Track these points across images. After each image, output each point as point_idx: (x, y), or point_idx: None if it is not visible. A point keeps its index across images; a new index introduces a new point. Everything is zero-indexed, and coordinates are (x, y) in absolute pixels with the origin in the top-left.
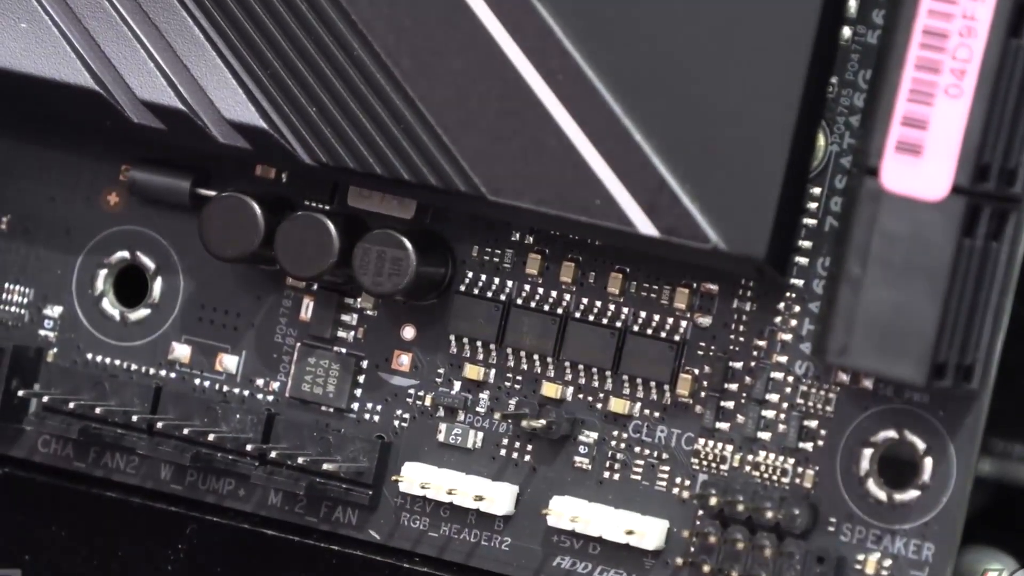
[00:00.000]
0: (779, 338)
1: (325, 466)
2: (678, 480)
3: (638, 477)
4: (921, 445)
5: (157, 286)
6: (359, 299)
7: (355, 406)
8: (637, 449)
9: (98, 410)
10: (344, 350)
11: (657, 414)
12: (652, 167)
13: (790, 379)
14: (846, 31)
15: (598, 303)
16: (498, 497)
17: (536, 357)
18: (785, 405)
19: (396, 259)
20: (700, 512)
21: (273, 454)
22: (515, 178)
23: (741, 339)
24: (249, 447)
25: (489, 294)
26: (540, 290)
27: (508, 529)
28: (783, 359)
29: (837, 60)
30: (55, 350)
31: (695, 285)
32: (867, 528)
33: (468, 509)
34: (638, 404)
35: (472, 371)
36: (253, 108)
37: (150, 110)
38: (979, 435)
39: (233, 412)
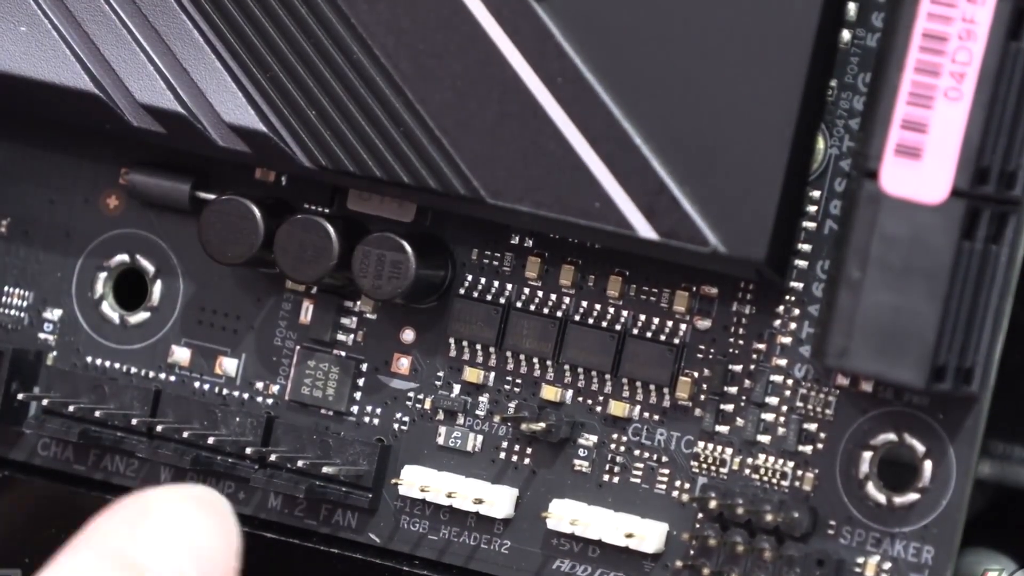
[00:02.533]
0: (778, 341)
1: (325, 469)
2: (678, 483)
3: (638, 480)
4: (921, 448)
5: (157, 289)
6: (359, 302)
7: (355, 409)
8: (637, 452)
9: (98, 413)
10: (344, 353)
11: (657, 417)
12: (651, 170)
13: (789, 382)
14: (845, 34)
15: (597, 306)
16: (498, 500)
17: (536, 360)
18: (784, 408)
19: (396, 262)
20: (700, 515)
21: (273, 457)
22: (514, 181)
23: (740, 342)
24: (249, 450)
25: (489, 297)
26: (540, 293)
27: (508, 532)
28: (782, 362)
29: (836, 63)
30: (55, 353)
31: (694, 288)
32: (867, 531)
33: (468, 512)
34: (638, 407)
35: (472, 374)
36: (252, 111)
37: (150, 113)
38: (979, 438)
39: (233, 415)
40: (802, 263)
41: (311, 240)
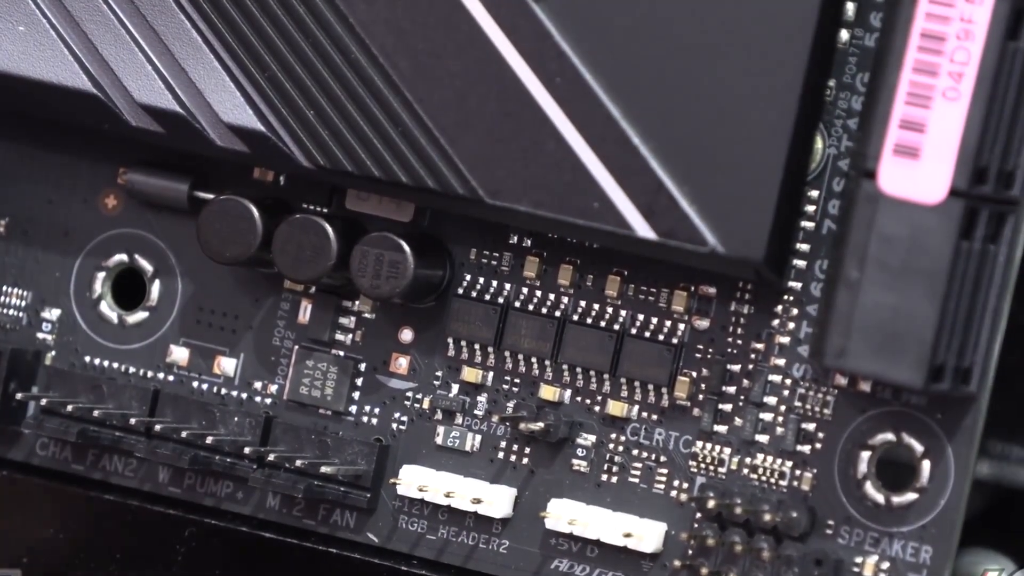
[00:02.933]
0: (777, 341)
1: (323, 469)
2: (676, 483)
3: (636, 480)
4: (919, 448)
5: (155, 289)
6: (357, 302)
7: (353, 409)
8: (635, 452)
9: (96, 413)
10: (342, 353)
11: (655, 417)
12: (650, 170)
13: (788, 382)
14: (844, 34)
15: (596, 306)
16: (496, 500)
17: (534, 360)
18: (783, 408)
19: (394, 262)
20: (698, 515)
21: (271, 457)
22: (513, 181)
23: (739, 342)
24: (247, 450)
25: (487, 297)
26: (538, 293)
27: (506, 532)
28: (781, 362)
29: (835, 63)
30: (53, 353)
31: (693, 288)
32: (865, 531)
33: (466, 512)
34: (636, 407)
35: (470, 374)
36: (251, 111)
37: (148, 113)
38: (977, 437)
39: (231, 415)
40: (800, 263)
41: (309, 240)
